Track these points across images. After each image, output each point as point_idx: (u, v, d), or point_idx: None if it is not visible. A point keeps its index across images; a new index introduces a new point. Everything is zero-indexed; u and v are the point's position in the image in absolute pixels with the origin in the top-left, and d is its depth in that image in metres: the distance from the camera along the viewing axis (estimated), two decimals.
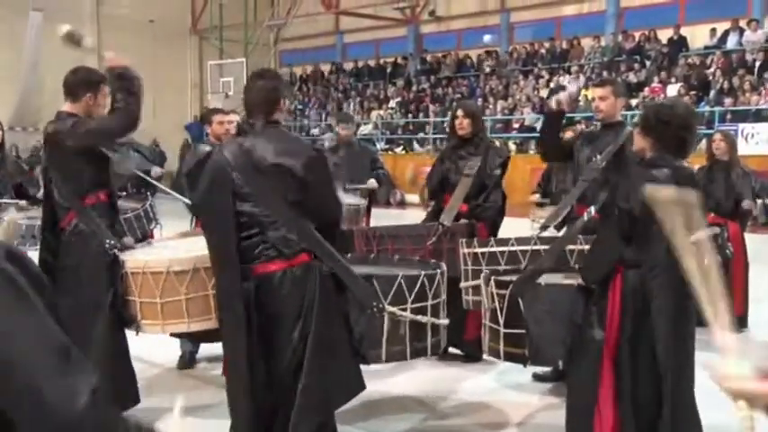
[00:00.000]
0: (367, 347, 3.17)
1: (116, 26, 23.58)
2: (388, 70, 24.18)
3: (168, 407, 4.46)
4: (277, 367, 3.02)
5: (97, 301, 3.77)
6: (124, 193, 6.16)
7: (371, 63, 25.12)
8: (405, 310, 3.22)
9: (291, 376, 3.00)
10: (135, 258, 3.78)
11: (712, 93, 16.29)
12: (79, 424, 1.07)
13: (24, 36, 20.61)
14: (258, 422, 3.02)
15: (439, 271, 3.46)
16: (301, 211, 3.03)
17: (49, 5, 20.97)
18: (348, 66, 25.84)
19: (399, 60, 24.26)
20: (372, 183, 6.91)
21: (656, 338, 2.92)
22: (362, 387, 3.17)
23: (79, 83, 3.86)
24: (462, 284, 4.42)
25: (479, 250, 4.38)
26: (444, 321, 3.46)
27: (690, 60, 17.67)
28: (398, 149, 20.72)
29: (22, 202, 6.14)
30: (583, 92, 18.00)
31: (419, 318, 3.27)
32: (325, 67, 26.46)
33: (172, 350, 5.16)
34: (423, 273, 3.34)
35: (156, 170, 6.68)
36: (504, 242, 4.41)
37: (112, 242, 3.78)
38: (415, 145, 20.69)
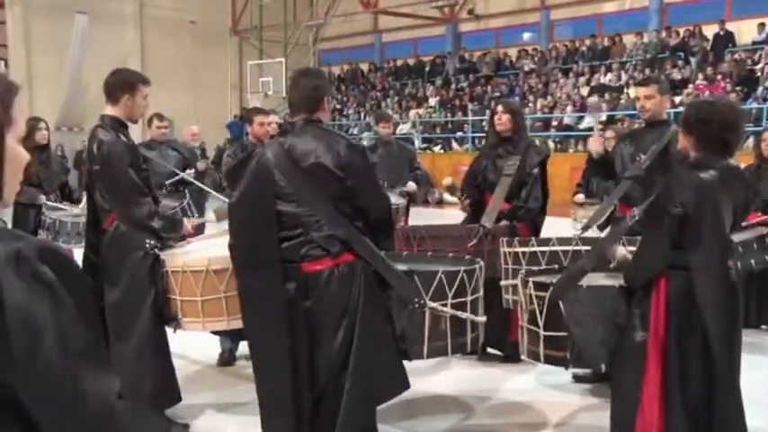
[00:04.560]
0: (409, 343, 3.17)
1: (158, 28, 24.00)
2: (427, 69, 24.14)
3: (208, 403, 4.54)
4: (320, 366, 2.99)
5: (138, 299, 3.82)
6: (163, 192, 6.23)
7: (410, 62, 25.10)
8: (445, 305, 3.23)
9: (335, 374, 2.98)
10: (175, 258, 3.83)
11: (760, 89, 15.91)
12: (108, 421, 1.07)
13: (69, 39, 21.05)
14: (299, 422, 3.00)
15: (477, 266, 3.47)
16: (345, 210, 3.01)
17: (94, 8, 21.41)
18: (387, 65, 25.84)
19: (438, 59, 24.18)
20: (411, 185, 6.88)
21: (711, 340, 2.86)
22: (407, 385, 3.16)
23: (116, 85, 3.91)
24: (503, 282, 4.39)
25: (520, 250, 4.34)
26: (482, 318, 3.46)
27: (736, 56, 17.27)
28: (437, 148, 20.67)
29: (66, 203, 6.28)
30: (625, 90, 17.74)
31: (459, 313, 3.27)
32: (364, 67, 26.52)
33: (212, 348, 5.21)
34: (462, 268, 3.35)
35: (189, 171, 6.76)
36: (545, 242, 4.36)
37: (153, 242, 3.82)
38: (454, 144, 20.61)
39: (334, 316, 2.97)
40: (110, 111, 3.94)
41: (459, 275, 3.28)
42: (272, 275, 2.98)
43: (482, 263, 3.59)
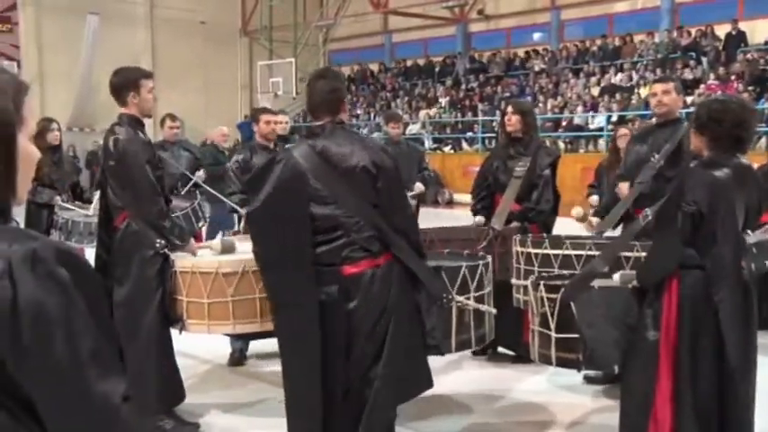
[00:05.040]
0: (440, 338, 3.19)
1: (169, 28, 24.10)
2: (437, 69, 24.12)
3: (219, 403, 4.54)
4: (353, 362, 2.96)
5: (146, 299, 3.84)
6: (175, 192, 6.25)
7: (420, 62, 25.10)
8: (469, 298, 3.37)
9: (366, 369, 2.96)
10: (184, 258, 3.83)
11: None
12: (112, 424, 1.08)
13: (80, 40, 21.17)
14: (326, 422, 2.97)
15: (489, 260, 3.67)
16: (379, 211, 3.00)
17: (105, 9, 21.52)
18: (396, 65, 25.85)
19: (448, 59, 24.16)
20: (419, 186, 6.88)
21: (725, 341, 2.84)
22: (431, 383, 3.15)
23: (120, 85, 3.93)
24: (514, 281, 4.38)
25: (533, 251, 4.31)
26: (494, 310, 3.61)
27: (749, 56, 17.16)
28: (447, 149, 20.66)
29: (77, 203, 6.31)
30: (636, 90, 17.67)
31: (480, 306, 3.43)
32: (374, 67, 26.53)
33: (222, 347, 5.22)
34: (481, 263, 3.50)
35: (199, 174, 6.76)
36: (559, 243, 4.32)
37: (163, 242, 3.83)
38: (464, 144, 20.59)
39: (374, 315, 2.95)
40: (124, 111, 3.96)
41: (479, 269, 3.42)
42: (303, 278, 2.93)
43: (489, 258, 3.75)
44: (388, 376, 2.94)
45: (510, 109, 5.23)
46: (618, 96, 17.85)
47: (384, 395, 2.94)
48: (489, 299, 3.60)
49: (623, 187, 4.59)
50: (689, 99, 15.51)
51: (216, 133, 8.41)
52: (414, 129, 21.17)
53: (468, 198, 5.95)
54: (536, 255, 4.29)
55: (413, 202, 6.67)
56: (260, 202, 3.02)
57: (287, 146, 4.03)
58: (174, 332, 3.97)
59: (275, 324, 3.20)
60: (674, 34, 19.04)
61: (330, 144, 2.99)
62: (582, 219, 4.94)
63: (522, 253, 4.36)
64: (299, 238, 2.94)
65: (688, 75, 17.15)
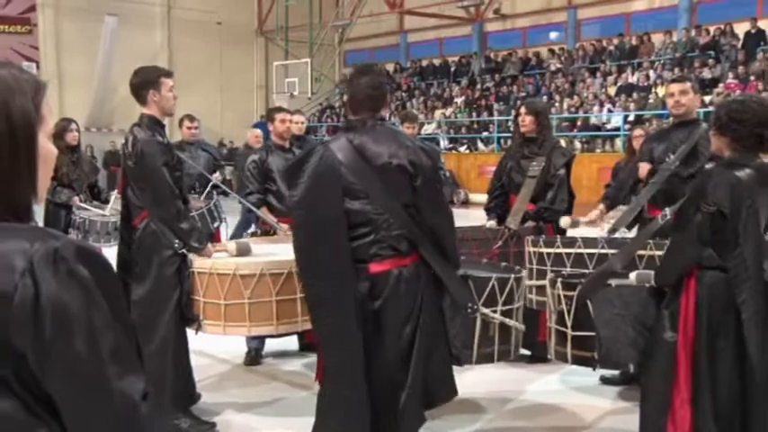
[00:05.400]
0: (461, 348, 3.15)
1: (186, 29, 24.24)
2: (452, 69, 24.08)
3: (235, 402, 4.55)
4: (379, 366, 2.92)
5: (163, 299, 3.86)
6: (193, 192, 6.29)
7: (436, 62, 25.07)
8: (495, 311, 3.22)
9: (391, 374, 2.93)
10: (202, 259, 3.84)
11: None
12: (131, 421, 1.09)
13: (98, 41, 21.34)
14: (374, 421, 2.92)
15: (524, 275, 3.48)
16: (412, 211, 2.97)
17: (123, 10, 21.68)
18: (412, 65, 25.84)
19: (463, 59, 24.12)
20: None
21: (748, 343, 2.81)
22: (455, 392, 3.13)
23: (140, 85, 3.94)
24: (527, 282, 4.36)
25: (545, 250, 4.30)
26: (523, 327, 3.44)
27: None
28: (462, 149, 20.63)
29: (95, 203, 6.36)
30: (653, 90, 17.55)
31: (506, 320, 3.26)
32: (389, 67, 26.51)
33: (239, 346, 5.25)
34: (512, 276, 3.33)
35: (216, 175, 6.82)
36: (571, 243, 4.32)
37: (181, 243, 3.85)
38: (479, 144, 20.55)
39: (400, 318, 2.92)
40: (145, 111, 3.99)
41: (510, 283, 3.27)
42: (346, 275, 2.88)
43: (524, 272, 3.60)
44: (416, 384, 2.91)
45: (523, 110, 5.23)
46: (635, 96, 17.73)
47: (414, 403, 2.93)
48: (519, 314, 3.43)
49: (644, 167, 4.54)
50: (707, 98, 15.39)
51: (250, 136, 8.47)
52: (429, 129, 21.15)
53: (483, 198, 5.94)
54: (548, 254, 4.27)
55: None
56: (301, 193, 2.97)
57: (325, 138, 4.02)
58: (190, 332, 3.99)
59: (313, 321, 3.12)
60: (693, 33, 18.89)
61: (368, 139, 2.96)
62: (574, 225, 4.91)
63: (535, 253, 4.35)
64: (339, 234, 2.89)
65: (706, 74, 17.01)
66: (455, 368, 4.72)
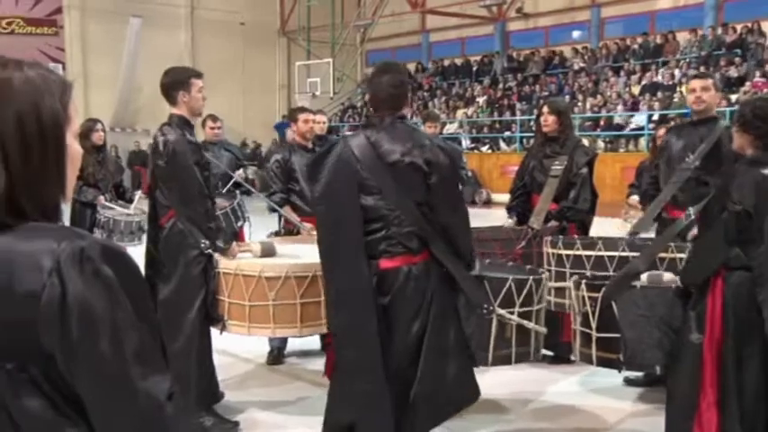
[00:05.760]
0: (475, 348, 3.13)
1: (209, 29, 24.41)
2: (474, 69, 24.00)
3: (258, 401, 4.57)
4: (390, 363, 2.93)
5: (189, 298, 3.88)
6: (217, 192, 6.32)
7: (457, 61, 25.00)
8: (512, 313, 3.18)
9: (402, 372, 2.94)
10: (228, 259, 3.87)
11: None
12: (157, 421, 1.10)
13: (123, 42, 21.56)
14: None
15: (544, 276, 3.44)
16: (425, 209, 2.98)
17: (147, 11, 21.89)
18: (434, 65, 25.80)
19: (485, 58, 24.03)
20: None
21: None
22: (478, 393, 3.11)
23: (170, 85, 3.97)
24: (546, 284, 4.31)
25: (564, 252, 4.25)
26: (544, 330, 3.41)
27: None
28: (484, 148, 20.55)
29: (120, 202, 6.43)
30: (678, 88, 17.35)
31: (524, 322, 3.23)
32: (411, 67, 26.48)
33: (262, 346, 5.27)
34: (531, 277, 3.30)
35: (239, 173, 6.85)
36: (591, 245, 4.27)
37: (207, 242, 3.87)
38: (502, 144, 20.46)
39: (408, 315, 2.94)
40: (174, 110, 4.02)
41: (528, 284, 3.23)
42: (360, 270, 2.91)
43: (545, 274, 3.55)
44: (426, 390, 2.91)
45: (546, 109, 5.20)
46: (659, 95, 17.56)
47: (425, 400, 2.92)
48: (541, 316, 3.39)
49: (633, 200, 4.57)
50: (733, 97, 15.20)
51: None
52: (451, 128, 21.09)
53: (506, 198, 5.91)
54: (567, 256, 4.23)
55: None
56: (321, 188, 3.04)
57: (346, 134, 4.04)
58: (213, 331, 4.02)
59: (330, 315, 3.16)
60: (719, 31, 18.65)
61: (384, 137, 3.00)
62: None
63: (554, 255, 4.30)
64: (355, 228, 2.94)
65: (733, 72, 16.80)
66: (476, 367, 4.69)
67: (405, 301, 2.94)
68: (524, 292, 3.21)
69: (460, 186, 6.86)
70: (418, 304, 2.94)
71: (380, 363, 2.88)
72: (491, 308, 3.09)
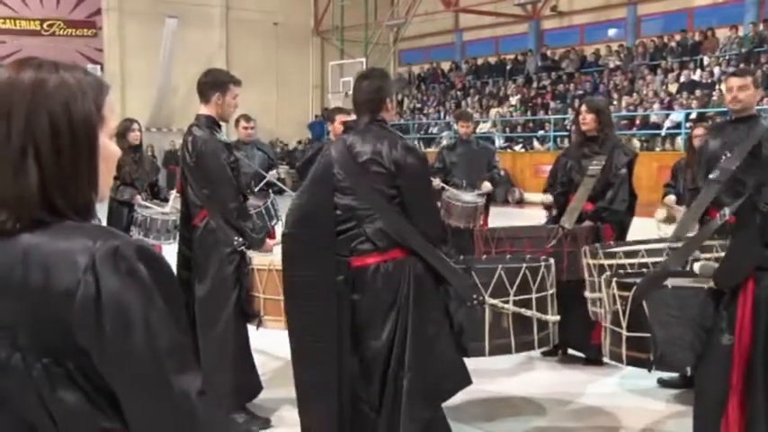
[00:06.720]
0: (468, 339, 3.18)
1: (243, 30, 24.65)
2: (508, 67, 23.86)
3: (289, 398, 4.59)
4: (368, 359, 3.08)
5: (224, 296, 3.93)
6: (248, 191, 6.38)
7: (491, 60, 24.87)
8: (506, 302, 3.20)
9: (393, 373, 3.03)
10: (262, 255, 3.91)
11: None
12: (189, 418, 1.11)
13: (159, 42, 21.86)
14: (341, 418, 3.08)
15: (543, 264, 3.44)
16: (399, 208, 3.10)
17: (182, 11, 22.17)
18: (467, 63, 25.70)
19: (519, 57, 23.87)
20: (486, 186, 6.83)
21: None
22: (468, 380, 3.17)
23: (209, 84, 4.03)
24: (588, 295, 4.21)
25: (606, 262, 4.04)
26: (553, 318, 3.41)
27: None
28: (518, 147, 20.42)
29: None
30: (717, 86, 17.04)
31: (522, 311, 3.24)
32: (445, 66, 26.44)
33: None
34: (524, 265, 3.33)
35: (272, 173, 6.91)
36: (633, 253, 4.10)
37: (241, 239, 3.91)
38: (535, 143, 20.31)
39: (381, 311, 3.05)
40: (203, 110, 4.07)
41: (521, 272, 3.26)
42: (327, 267, 3.07)
43: (550, 261, 3.55)
44: (415, 378, 2.99)
45: (584, 108, 5.16)
46: (697, 93, 17.26)
47: (416, 396, 3.00)
48: (547, 304, 3.38)
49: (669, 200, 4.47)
50: None
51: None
52: (484, 127, 20.99)
53: (538, 197, 5.87)
54: (610, 265, 4.07)
55: (482, 201, 6.64)
56: (302, 186, 3.32)
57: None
58: (250, 327, 4.06)
59: (287, 311, 3.30)
60: (760, 27, 18.26)
61: (358, 139, 3.16)
62: (667, 220, 4.78)
63: (595, 266, 4.09)
64: (325, 227, 3.09)
65: None
66: (510, 368, 4.70)
67: (375, 298, 3.05)
68: (518, 280, 3.23)
69: (490, 186, 6.86)
70: (391, 300, 3.03)
71: (335, 354, 3.04)
72: (481, 298, 3.13)
